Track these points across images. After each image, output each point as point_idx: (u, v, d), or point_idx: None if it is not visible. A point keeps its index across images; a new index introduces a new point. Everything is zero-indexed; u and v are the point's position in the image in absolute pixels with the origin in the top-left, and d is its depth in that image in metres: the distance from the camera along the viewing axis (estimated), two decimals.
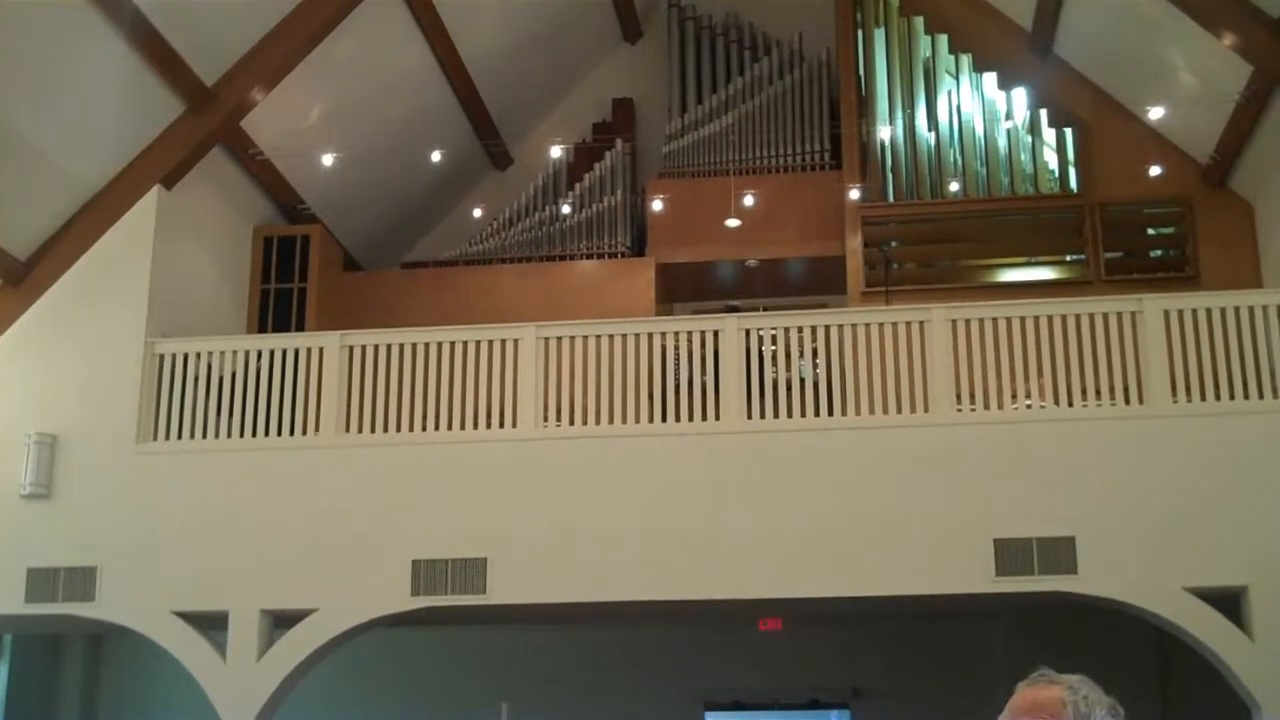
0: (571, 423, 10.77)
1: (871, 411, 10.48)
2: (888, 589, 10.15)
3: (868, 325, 10.72)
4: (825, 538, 10.15)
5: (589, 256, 14.12)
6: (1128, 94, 13.27)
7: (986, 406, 10.44)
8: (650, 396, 10.83)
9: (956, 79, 13.86)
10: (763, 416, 10.62)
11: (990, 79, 13.77)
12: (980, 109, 13.71)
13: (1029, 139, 13.62)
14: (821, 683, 13.66)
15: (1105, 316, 10.51)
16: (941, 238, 13.50)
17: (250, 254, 13.33)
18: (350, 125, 13.18)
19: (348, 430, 10.91)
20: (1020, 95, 13.68)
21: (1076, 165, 13.45)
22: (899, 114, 13.77)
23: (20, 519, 10.87)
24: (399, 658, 13.64)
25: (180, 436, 11.07)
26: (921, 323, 10.65)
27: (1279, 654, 9.53)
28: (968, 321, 10.60)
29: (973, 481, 10.17)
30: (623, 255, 14.11)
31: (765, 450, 10.46)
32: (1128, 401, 10.31)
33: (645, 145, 15.09)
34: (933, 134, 13.69)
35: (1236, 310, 10.40)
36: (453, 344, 11.03)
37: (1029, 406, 10.50)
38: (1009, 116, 13.66)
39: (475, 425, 10.85)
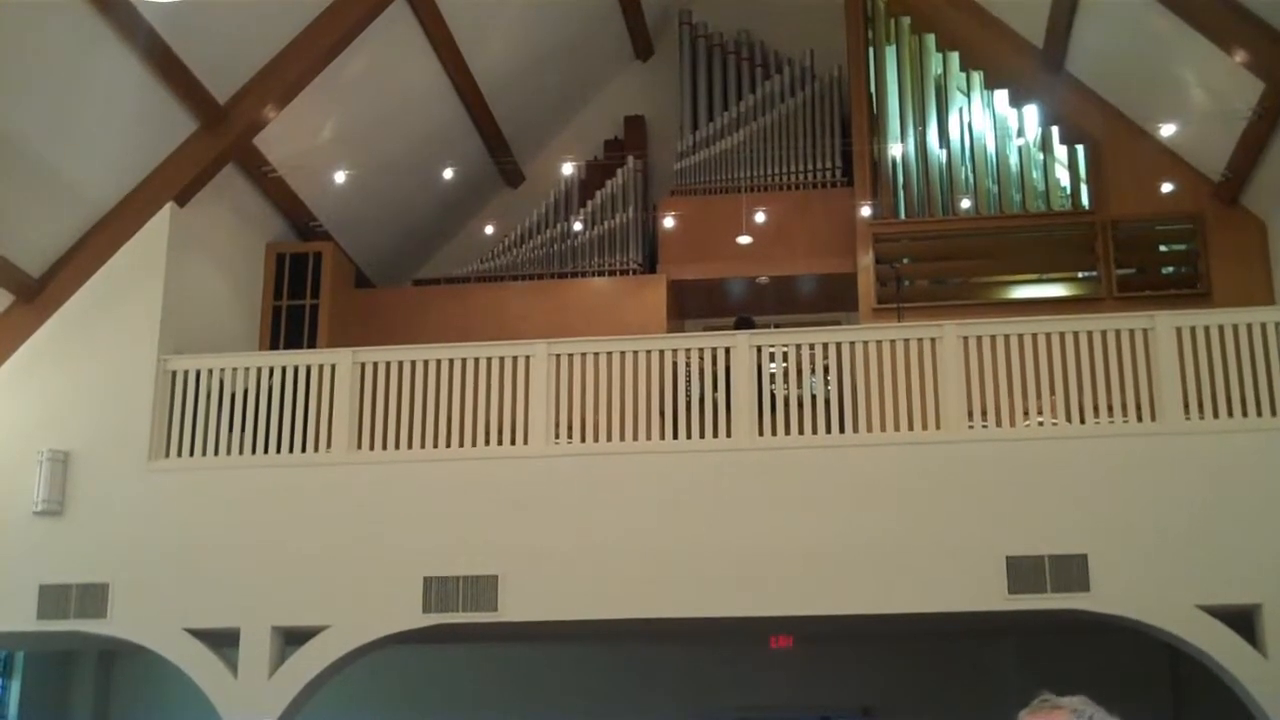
0: (583, 440, 10.76)
1: (883, 428, 10.46)
2: (899, 607, 10.11)
3: (879, 342, 10.71)
4: (837, 555, 10.13)
5: (601, 273, 14.14)
6: (1139, 111, 13.28)
7: (998, 423, 10.42)
8: (662, 413, 10.82)
9: (968, 96, 13.89)
10: (774, 433, 10.61)
11: (1001, 96, 13.79)
12: (992, 126, 13.73)
13: (1040, 156, 13.63)
14: (833, 700, 13.63)
15: (1117, 333, 10.49)
16: (953, 254, 13.50)
17: (262, 271, 13.37)
18: (362, 142, 13.22)
19: (359, 447, 10.92)
20: (1031, 112, 13.71)
21: (1088, 182, 13.46)
22: (910, 131, 13.79)
23: (32, 536, 10.88)
24: (410, 674, 13.63)
25: (192, 453, 11.09)
26: (933, 340, 10.63)
27: None
28: (979, 338, 10.59)
29: (985, 499, 10.14)
30: (634, 272, 14.13)
31: (777, 467, 10.45)
32: (1140, 419, 10.28)
33: (657, 162, 15.12)
34: (944, 151, 13.71)
35: (1249, 327, 10.37)
36: (464, 361, 11.04)
37: (1041, 423, 10.47)
38: (1020, 133, 13.68)
39: (487, 442, 10.85)
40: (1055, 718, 2.80)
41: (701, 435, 10.66)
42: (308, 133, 12.73)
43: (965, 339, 10.59)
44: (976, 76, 13.93)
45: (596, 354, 10.95)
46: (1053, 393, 10.43)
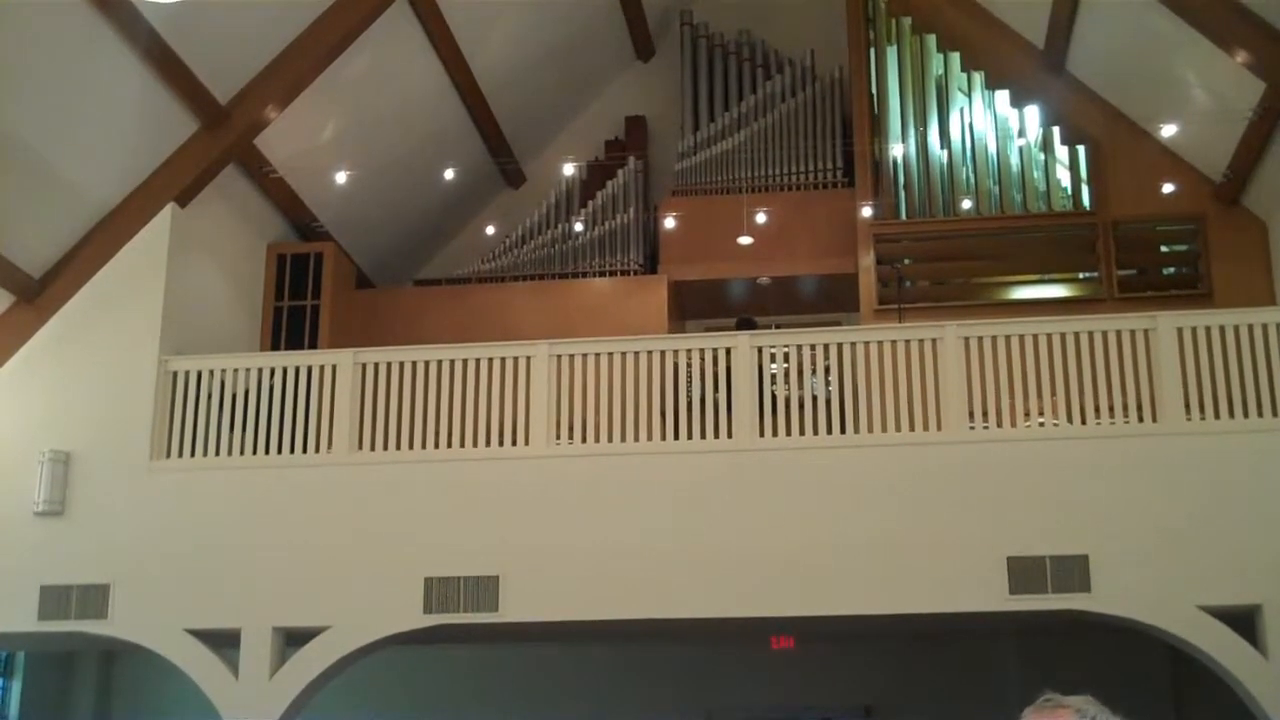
0: (584, 440, 10.76)
1: (884, 429, 10.46)
2: (900, 607, 10.11)
3: (880, 343, 10.70)
4: (838, 556, 10.12)
5: (602, 274, 14.14)
6: (1140, 111, 13.27)
7: (999, 424, 10.41)
8: (663, 414, 10.82)
9: (969, 96, 13.88)
10: (775, 434, 10.60)
11: (1002, 96, 13.79)
12: (993, 126, 13.72)
13: (1041, 156, 13.63)
14: (834, 701, 13.62)
15: (1118, 334, 10.49)
16: (954, 255, 13.50)
17: (264, 271, 13.38)
18: (363, 143, 13.22)
19: (360, 448, 10.92)
20: (1033, 113, 13.70)
21: (1089, 183, 13.45)
22: (911, 131, 13.78)
23: (34, 536, 10.88)
24: (411, 675, 13.63)
25: (194, 454, 11.09)
26: (934, 340, 10.63)
27: None
28: (980, 339, 10.58)
29: (986, 499, 10.14)
30: (635, 273, 14.13)
31: (778, 468, 10.44)
32: (1141, 419, 10.28)
33: (658, 163, 15.12)
34: (945, 151, 13.70)
35: (1250, 328, 10.37)
36: (465, 361, 11.03)
37: (1042, 424, 10.48)
38: (1021, 134, 13.68)
39: (488, 443, 10.84)
40: (1059, 717, 2.80)
41: (703, 436, 10.66)
42: (309, 133, 12.74)
43: (966, 339, 10.58)
44: (977, 77, 13.92)
45: (598, 355, 10.95)
46: (1054, 393, 10.43)
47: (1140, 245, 13.37)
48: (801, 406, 10.64)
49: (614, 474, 10.61)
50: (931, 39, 14.13)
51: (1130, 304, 12.54)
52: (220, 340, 12.23)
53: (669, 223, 13.94)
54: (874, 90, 14.05)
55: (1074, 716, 2.79)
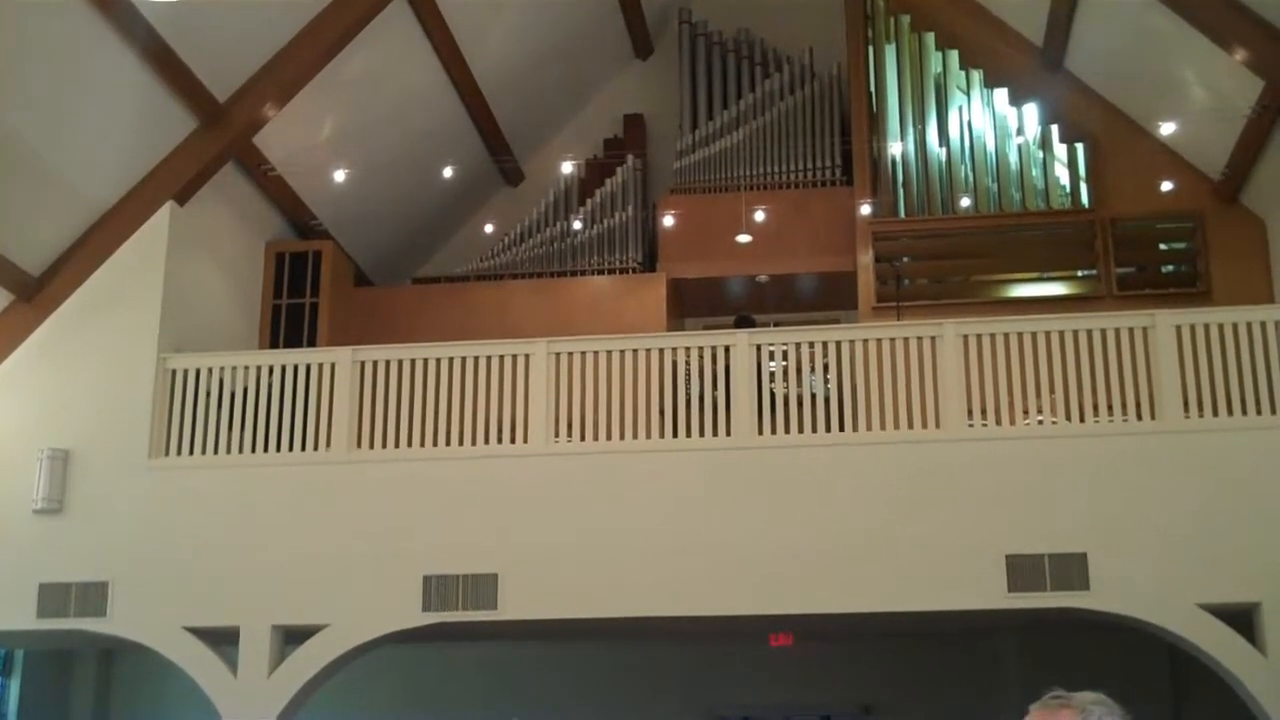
0: (583, 438, 10.76)
1: (883, 427, 10.45)
2: (899, 605, 10.11)
3: (879, 341, 10.70)
4: (836, 553, 10.13)
5: (600, 272, 14.14)
6: (1139, 109, 13.28)
7: (998, 422, 10.41)
8: (662, 412, 10.82)
9: (967, 94, 13.89)
10: (774, 432, 10.60)
11: (1001, 94, 13.79)
12: (991, 124, 13.73)
13: (1040, 154, 13.63)
14: (833, 699, 13.62)
15: (1117, 332, 10.49)
16: (953, 253, 13.50)
17: (262, 269, 13.36)
18: (362, 141, 13.21)
19: (359, 446, 10.91)
20: (1031, 111, 13.71)
21: (1088, 180, 13.46)
22: (910, 130, 13.79)
23: (32, 534, 10.88)
24: (410, 672, 13.62)
25: (192, 452, 11.08)
26: (933, 338, 10.63)
27: None
28: (979, 337, 10.58)
29: (985, 497, 10.14)
30: (634, 271, 14.12)
31: (776, 466, 10.44)
32: (1140, 417, 10.28)
33: (657, 161, 15.12)
34: (944, 149, 13.71)
35: (1249, 326, 10.37)
36: (464, 359, 11.03)
37: (1040, 422, 10.47)
38: (1020, 132, 13.69)
39: (487, 441, 10.84)
40: (1061, 717, 2.79)
41: (701, 434, 10.66)
42: (307, 131, 12.73)
43: (965, 337, 10.58)
44: (976, 75, 13.93)
45: (596, 353, 10.95)
46: (1052, 391, 10.43)
47: (1139, 243, 13.38)
48: (800, 404, 10.64)
49: (612, 472, 10.61)
50: (930, 37, 14.14)
51: (1129, 302, 12.56)
52: (219, 338, 12.22)
53: (667, 221, 13.94)
54: (872, 88, 14.06)
55: (1077, 715, 2.78)
